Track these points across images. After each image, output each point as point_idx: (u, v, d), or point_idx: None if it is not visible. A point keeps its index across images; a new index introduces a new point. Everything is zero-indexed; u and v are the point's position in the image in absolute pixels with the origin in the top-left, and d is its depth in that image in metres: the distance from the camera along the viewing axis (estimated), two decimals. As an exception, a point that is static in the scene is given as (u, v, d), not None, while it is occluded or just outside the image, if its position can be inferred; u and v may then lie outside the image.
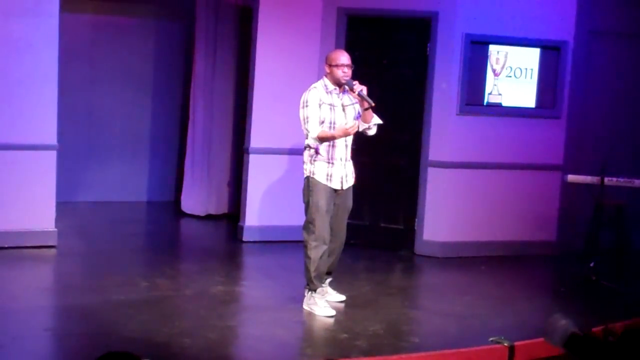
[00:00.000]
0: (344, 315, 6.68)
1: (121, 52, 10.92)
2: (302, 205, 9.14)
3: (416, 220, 8.99)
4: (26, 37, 8.13)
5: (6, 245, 8.18)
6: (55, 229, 8.42)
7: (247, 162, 9.17)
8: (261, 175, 9.12)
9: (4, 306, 6.59)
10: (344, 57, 6.70)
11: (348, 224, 9.11)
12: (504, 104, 9.06)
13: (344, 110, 6.66)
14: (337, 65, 6.64)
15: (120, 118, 11.05)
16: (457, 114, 8.84)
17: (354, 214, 9.11)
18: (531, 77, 9.10)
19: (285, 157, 9.13)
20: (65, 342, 5.95)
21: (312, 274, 6.64)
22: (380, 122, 6.71)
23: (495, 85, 9.00)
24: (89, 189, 10.81)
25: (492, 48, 8.94)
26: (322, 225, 6.63)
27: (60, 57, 8.37)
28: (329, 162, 6.63)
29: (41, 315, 6.53)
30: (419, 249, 8.98)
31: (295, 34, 9.08)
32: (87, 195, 10.79)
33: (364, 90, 6.55)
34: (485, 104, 9.01)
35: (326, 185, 6.64)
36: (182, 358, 5.60)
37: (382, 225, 9.16)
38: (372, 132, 6.77)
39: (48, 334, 6.14)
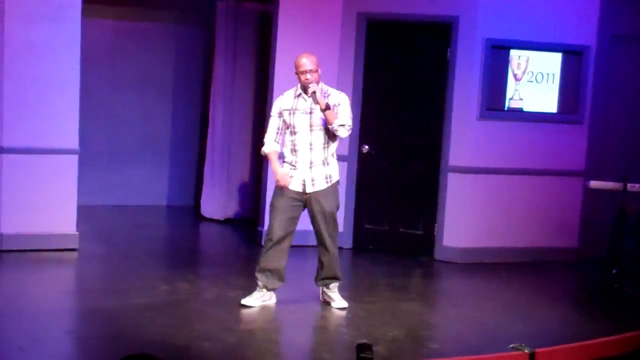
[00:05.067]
0: (363, 320, 6.67)
1: (142, 56, 10.97)
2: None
3: (436, 225, 8.96)
4: (48, 43, 8.18)
5: (28, 248, 8.23)
6: (77, 233, 8.46)
7: (267, 166, 9.16)
8: (281, 179, 9.10)
9: (25, 309, 6.62)
10: (303, 63, 6.68)
11: (367, 229, 9.21)
12: (525, 109, 9.02)
13: (310, 113, 6.64)
14: (299, 72, 6.68)
15: (140, 122, 11.10)
16: (477, 119, 8.81)
17: (373, 219, 9.21)
18: (553, 82, 9.06)
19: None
20: (86, 345, 5.97)
21: (257, 267, 6.84)
22: (344, 123, 6.59)
23: (516, 90, 8.97)
24: (109, 192, 10.86)
25: (513, 53, 8.90)
26: (272, 223, 6.75)
27: (82, 62, 8.42)
28: (292, 166, 6.71)
29: (62, 318, 6.57)
30: (438, 254, 8.95)
31: (315, 39, 9.08)
32: (108, 199, 10.84)
33: (316, 92, 6.55)
34: (506, 109, 8.97)
35: (282, 187, 6.72)
36: (201, 362, 5.61)
37: (402, 230, 9.13)
38: (341, 133, 6.63)
39: (69, 337, 6.17)
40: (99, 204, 10.60)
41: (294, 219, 6.79)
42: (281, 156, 6.89)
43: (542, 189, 9.08)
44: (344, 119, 6.62)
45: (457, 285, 8.35)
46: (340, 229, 9.09)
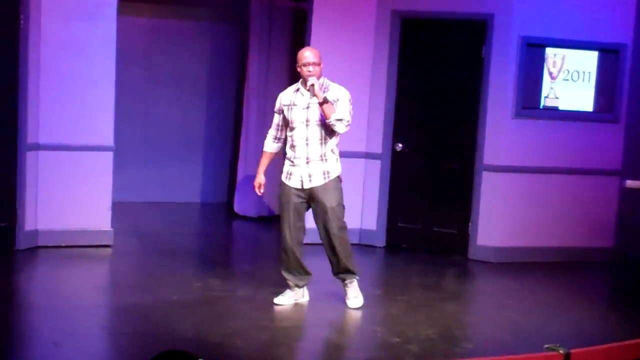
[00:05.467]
0: (397, 319, 6.66)
1: (176, 54, 11.03)
2: (354, 208, 9.21)
3: (470, 224, 8.92)
4: (84, 41, 8.25)
5: (63, 244, 8.31)
6: (112, 229, 8.53)
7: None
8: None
9: (60, 304, 6.68)
10: (306, 55, 6.64)
11: (400, 227, 9.18)
12: (560, 108, 8.95)
13: (307, 108, 6.59)
14: (301, 65, 6.63)
15: (175, 120, 11.15)
16: (512, 118, 8.76)
17: (407, 217, 9.18)
18: (589, 81, 8.98)
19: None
20: (120, 341, 6.01)
21: (282, 267, 6.86)
22: (341, 117, 6.50)
23: (552, 88, 8.90)
24: (144, 189, 10.93)
25: (549, 51, 8.84)
26: (282, 222, 6.76)
27: (117, 59, 8.48)
28: (291, 162, 6.68)
29: (96, 314, 6.62)
30: (472, 253, 8.91)
31: (349, 36, 9.08)
32: (142, 196, 10.91)
33: (315, 84, 6.49)
34: (541, 107, 8.91)
35: (286, 184, 6.70)
36: (234, 358, 5.62)
37: (435, 229, 9.10)
38: (338, 128, 6.52)
39: (103, 333, 6.21)
40: (133, 200, 10.67)
41: (301, 217, 6.75)
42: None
43: (578, 188, 9.01)
44: (342, 113, 6.52)
45: (491, 285, 8.31)
46: (374, 227, 9.14)
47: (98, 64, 8.32)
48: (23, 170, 8.09)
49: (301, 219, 6.76)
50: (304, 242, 6.89)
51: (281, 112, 6.74)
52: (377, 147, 9.12)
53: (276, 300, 6.79)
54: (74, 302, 6.76)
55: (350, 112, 6.60)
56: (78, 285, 7.40)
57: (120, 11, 8.51)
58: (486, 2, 8.76)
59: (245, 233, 10.25)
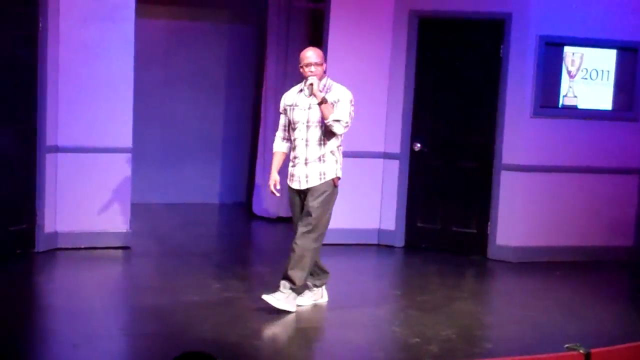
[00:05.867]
0: (416, 319, 6.64)
1: (195, 56, 11.05)
2: (373, 208, 9.21)
3: (489, 224, 8.89)
4: (103, 43, 8.28)
5: (82, 246, 8.34)
6: (130, 230, 8.55)
7: (319, 165, 9.18)
8: (333, 178, 9.11)
9: (80, 306, 6.71)
10: (308, 55, 6.57)
11: (419, 227, 9.16)
12: (579, 107, 8.91)
13: (308, 109, 6.54)
14: (303, 65, 6.56)
15: (193, 121, 11.17)
16: (531, 117, 8.72)
17: (425, 217, 9.16)
18: (607, 79, 8.94)
19: (356, 159, 9.09)
20: (138, 342, 6.03)
21: None
22: (339, 118, 6.42)
23: (570, 87, 8.86)
24: (162, 190, 10.95)
25: (567, 49, 8.80)
26: (294, 224, 6.75)
27: (136, 61, 8.50)
28: (292, 163, 6.65)
29: (116, 316, 6.65)
30: (491, 253, 8.87)
31: (367, 37, 9.06)
32: (161, 197, 10.94)
33: (313, 84, 6.44)
34: (560, 106, 8.87)
35: (289, 186, 6.69)
36: (253, 359, 5.62)
37: (454, 229, 9.07)
38: (336, 129, 6.45)
39: (123, 334, 6.23)
40: (152, 202, 10.70)
41: None
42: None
43: (597, 187, 8.96)
44: (340, 114, 6.44)
45: (511, 285, 8.28)
46: (392, 227, 9.13)
47: (116, 66, 8.34)
48: (42, 173, 8.13)
49: None
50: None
51: (285, 112, 6.72)
52: (396, 147, 9.11)
53: (297, 301, 6.75)
54: (93, 304, 6.79)
55: (350, 114, 6.52)
56: (97, 287, 7.43)
57: (139, 13, 8.54)
58: (504, 1, 8.72)
59: (263, 234, 10.26)
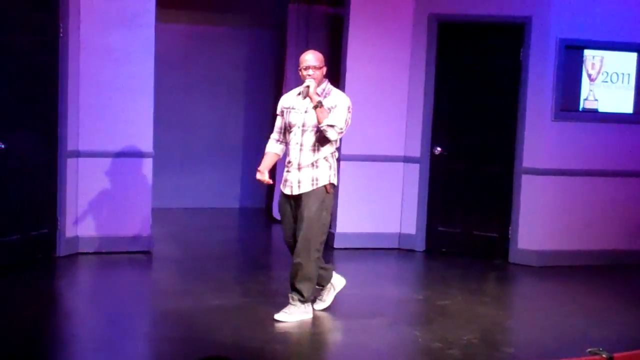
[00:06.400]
0: (437, 324, 6.62)
1: (214, 60, 11.08)
2: (393, 212, 9.20)
3: (510, 228, 8.86)
4: (123, 47, 8.31)
5: (103, 251, 8.37)
6: (151, 235, 8.58)
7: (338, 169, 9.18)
8: (352, 182, 9.12)
9: (101, 310, 6.74)
10: (306, 59, 6.50)
11: (440, 231, 9.15)
12: (600, 110, 8.87)
13: (305, 113, 6.42)
14: (302, 68, 6.50)
15: (213, 125, 11.20)
16: (552, 120, 8.69)
17: (446, 221, 9.14)
18: (628, 82, 8.89)
19: (376, 163, 9.12)
20: (160, 347, 6.03)
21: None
22: (334, 123, 6.29)
23: (591, 90, 8.82)
24: (183, 195, 10.99)
25: (588, 53, 8.76)
26: (282, 231, 6.65)
27: (156, 66, 8.54)
28: (287, 168, 6.53)
29: (137, 320, 6.66)
30: (513, 257, 8.84)
31: (386, 41, 9.06)
32: (181, 202, 10.97)
33: (310, 86, 6.35)
34: (580, 109, 8.83)
35: (282, 192, 6.57)
36: (275, 364, 5.63)
37: (475, 233, 9.04)
38: (330, 134, 6.29)
39: (144, 338, 6.25)
40: (172, 206, 10.73)
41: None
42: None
43: (619, 191, 8.91)
44: (335, 120, 6.31)
45: (533, 289, 8.25)
46: (413, 231, 9.11)
47: (137, 71, 8.38)
48: (63, 177, 8.17)
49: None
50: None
51: (282, 114, 6.61)
52: (416, 151, 9.10)
53: (277, 316, 6.53)
54: (114, 308, 6.82)
55: (346, 120, 6.37)
56: (118, 292, 7.46)
57: (159, 18, 8.58)
58: (524, 4, 8.70)
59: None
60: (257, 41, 11.29)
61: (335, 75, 9.61)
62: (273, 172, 10.83)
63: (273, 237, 10.37)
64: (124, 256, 8.37)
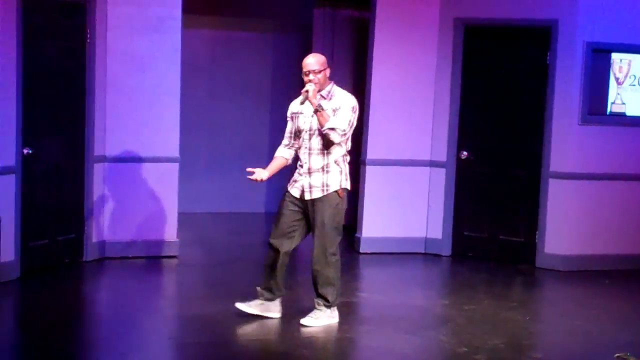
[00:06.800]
0: (464, 328, 6.59)
1: (240, 65, 11.11)
2: (419, 217, 9.17)
3: (537, 232, 8.81)
4: (149, 54, 8.35)
5: (130, 255, 8.41)
6: (177, 240, 8.60)
7: (364, 173, 9.18)
8: (378, 186, 9.11)
9: (127, 314, 6.76)
10: (307, 63, 6.45)
11: (466, 236, 9.11)
12: (627, 114, 8.80)
13: (312, 117, 6.38)
14: (303, 73, 6.45)
15: (239, 130, 11.23)
16: (579, 124, 8.64)
17: (472, 225, 9.10)
18: (656, 86, 8.83)
19: (402, 168, 9.10)
20: (186, 351, 6.05)
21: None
22: (335, 126, 6.25)
23: (618, 94, 8.76)
24: (209, 200, 11.01)
25: (615, 56, 8.70)
26: (273, 228, 6.58)
27: (182, 71, 8.57)
28: (298, 172, 6.52)
29: (163, 324, 6.68)
30: (540, 262, 8.79)
31: (412, 45, 9.05)
32: (207, 207, 10.99)
33: (309, 91, 6.30)
34: (608, 113, 8.77)
35: (287, 190, 6.55)
36: (301, 369, 5.63)
37: (502, 237, 9.00)
38: (332, 137, 6.25)
39: (170, 343, 6.26)
40: (199, 211, 10.76)
41: (291, 226, 6.49)
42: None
43: (647, 195, 8.85)
44: (337, 122, 6.24)
45: (560, 293, 8.19)
46: (439, 236, 9.08)
47: (163, 77, 8.42)
48: (90, 182, 8.22)
49: (290, 228, 6.49)
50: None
51: (292, 119, 6.59)
52: (442, 155, 9.07)
53: (238, 305, 6.57)
54: (140, 313, 6.85)
55: (349, 122, 6.33)
56: (145, 296, 7.49)
57: (185, 24, 8.62)
58: (550, 8, 8.66)
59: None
60: (283, 46, 11.30)
61: (362, 78, 9.62)
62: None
63: (299, 241, 10.37)
64: (150, 261, 8.41)
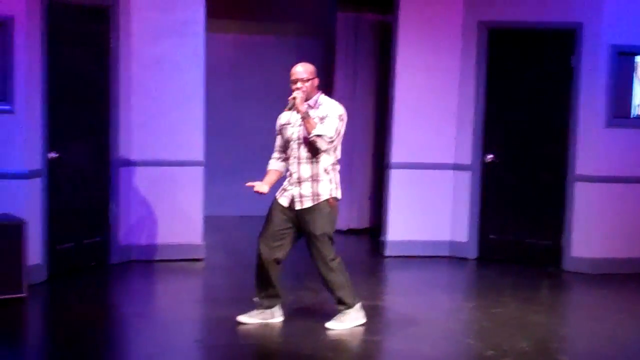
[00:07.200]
0: (490, 332, 6.57)
1: (264, 69, 11.13)
2: (444, 220, 9.14)
3: (564, 235, 8.77)
4: (174, 58, 8.39)
5: (157, 258, 8.44)
6: (203, 243, 8.63)
7: (389, 176, 9.17)
8: (403, 189, 9.10)
9: (154, 317, 6.80)
10: (295, 71, 6.49)
11: (492, 239, 9.08)
12: (653, 116, 8.77)
13: (300, 126, 6.38)
14: (290, 81, 6.47)
15: (263, 133, 11.13)
16: (604, 127, 8.59)
17: (499, 229, 9.08)
18: (682, 88, 8.77)
19: (427, 171, 9.08)
20: (212, 354, 6.06)
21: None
22: (321, 133, 6.23)
23: (643, 96, 8.73)
24: (234, 203, 11.03)
25: (639, 59, 8.66)
26: (261, 235, 6.58)
27: (206, 75, 8.60)
28: (288, 182, 6.48)
29: (190, 327, 6.69)
30: (567, 265, 8.75)
31: (435, 49, 9.03)
32: (233, 210, 11.01)
33: (297, 98, 6.33)
34: (633, 116, 8.72)
35: (275, 199, 6.52)
36: (328, 371, 5.62)
37: (528, 240, 8.96)
38: (319, 144, 6.24)
39: (197, 345, 6.27)
40: (224, 214, 10.78)
41: (279, 235, 6.48)
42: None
43: (674, 198, 8.79)
44: (323, 129, 6.22)
45: (587, 297, 8.14)
46: (465, 239, 9.06)
47: (187, 81, 8.45)
48: (116, 186, 8.27)
49: (279, 236, 6.48)
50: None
51: (280, 132, 6.58)
52: (467, 158, 9.05)
53: (240, 318, 6.56)
54: (167, 315, 6.87)
55: (336, 129, 6.30)
56: (171, 299, 7.52)
57: (208, 28, 8.64)
58: (575, 11, 8.62)
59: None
60: (306, 50, 11.29)
61: (385, 82, 9.62)
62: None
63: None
64: (176, 264, 8.43)
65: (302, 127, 6.35)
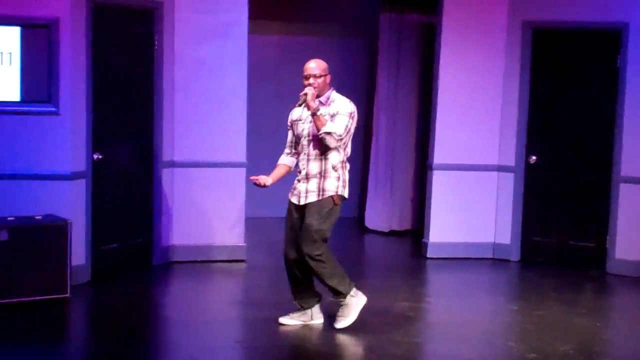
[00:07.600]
0: (533, 335, 6.52)
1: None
2: (487, 222, 9.08)
3: (608, 237, 8.66)
4: (217, 59, 8.43)
5: (199, 259, 8.48)
6: (245, 244, 8.66)
7: (431, 178, 9.13)
8: (445, 191, 9.05)
9: (196, 318, 6.83)
10: (308, 67, 6.51)
11: (535, 241, 9.00)
12: (699, 116, 8.62)
13: (310, 122, 6.35)
14: (303, 77, 6.45)
15: (305, 135, 11.22)
16: (650, 128, 8.49)
17: (542, 230, 8.99)
18: None
19: (469, 172, 9.02)
20: (254, 355, 6.10)
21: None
22: (331, 130, 6.20)
23: (688, 96, 8.58)
24: (276, 204, 11.00)
25: (687, 58, 8.54)
26: (284, 240, 6.54)
27: (249, 77, 8.63)
28: (297, 178, 6.49)
29: (231, 328, 6.73)
30: (611, 267, 8.65)
31: (479, 49, 8.97)
32: (274, 211, 11.00)
33: (308, 94, 6.30)
34: (680, 116, 8.61)
35: (289, 199, 6.52)
36: (367, 374, 5.62)
37: (571, 242, 8.87)
38: (328, 142, 6.21)
39: (238, 346, 6.30)
40: (266, 215, 10.80)
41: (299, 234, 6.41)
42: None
43: None
44: (333, 127, 6.21)
45: (631, 300, 8.04)
46: (508, 241, 8.99)
47: (230, 82, 8.49)
48: (159, 187, 8.32)
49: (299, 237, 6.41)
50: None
51: (292, 127, 6.58)
52: (510, 160, 8.98)
53: (281, 319, 6.55)
54: (209, 316, 6.91)
55: (346, 127, 6.28)
56: (213, 300, 7.57)
57: (251, 30, 8.67)
58: (620, 11, 8.52)
59: (376, 248, 10.23)
60: (349, 51, 11.30)
61: (428, 83, 9.58)
62: (365, 181, 10.84)
63: (365, 246, 10.38)
64: (218, 265, 8.48)
65: (312, 124, 6.35)
